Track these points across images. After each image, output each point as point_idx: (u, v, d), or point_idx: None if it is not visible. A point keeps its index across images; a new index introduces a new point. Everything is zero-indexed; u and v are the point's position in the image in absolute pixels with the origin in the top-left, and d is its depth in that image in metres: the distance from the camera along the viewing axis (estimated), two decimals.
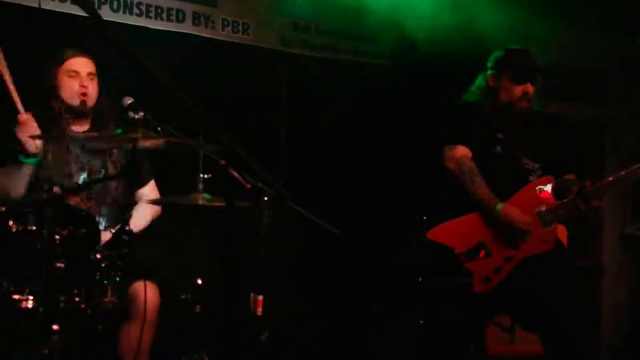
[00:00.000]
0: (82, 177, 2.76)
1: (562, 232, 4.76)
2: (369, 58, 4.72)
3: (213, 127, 1.66)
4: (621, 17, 5.30)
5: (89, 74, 2.85)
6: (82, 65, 2.84)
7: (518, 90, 2.85)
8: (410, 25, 4.49)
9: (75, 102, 2.81)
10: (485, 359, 4.72)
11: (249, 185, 1.77)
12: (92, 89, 2.85)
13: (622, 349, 5.35)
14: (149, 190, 2.99)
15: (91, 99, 2.85)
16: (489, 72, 2.94)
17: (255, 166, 1.61)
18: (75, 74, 2.81)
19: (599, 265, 5.67)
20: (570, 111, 5.29)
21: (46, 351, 1.68)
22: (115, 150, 2.87)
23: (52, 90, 2.82)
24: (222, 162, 1.77)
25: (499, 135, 2.87)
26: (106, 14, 3.66)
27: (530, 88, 2.85)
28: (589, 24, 5.16)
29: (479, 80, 2.99)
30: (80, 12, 3.31)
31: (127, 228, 2.28)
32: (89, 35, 2.94)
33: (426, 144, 3.01)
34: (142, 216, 2.88)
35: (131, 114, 2.03)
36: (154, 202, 2.78)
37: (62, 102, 2.82)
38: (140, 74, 1.73)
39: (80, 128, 2.86)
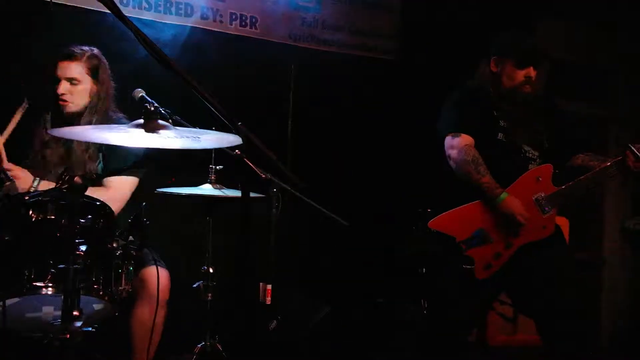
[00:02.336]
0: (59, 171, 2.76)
1: (563, 224, 4.84)
2: (375, 53, 4.76)
3: (230, 118, 1.71)
4: (624, 16, 5.36)
5: (71, 79, 2.85)
6: (65, 70, 2.84)
7: (520, 74, 2.84)
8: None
9: (57, 107, 2.85)
10: (487, 349, 4.80)
11: (264, 175, 1.81)
12: (73, 95, 2.86)
13: (622, 341, 5.40)
14: (117, 183, 2.85)
15: (74, 105, 2.86)
16: (492, 56, 2.93)
17: (271, 157, 1.66)
18: (57, 80, 2.84)
19: (600, 258, 5.73)
20: (574, 107, 5.36)
21: (67, 335, 1.74)
22: (92, 148, 2.83)
23: (49, 91, 2.86)
24: (237, 152, 1.81)
25: (501, 123, 2.87)
26: None
27: (532, 72, 2.84)
28: (592, 22, 5.21)
29: (482, 65, 2.98)
30: (92, 7, 3.40)
31: (142, 218, 2.33)
32: (100, 30, 2.98)
33: (429, 133, 3.02)
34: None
35: (147, 106, 2.07)
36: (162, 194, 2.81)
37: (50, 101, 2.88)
38: (156, 66, 1.78)
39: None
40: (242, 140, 1.68)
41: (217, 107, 1.69)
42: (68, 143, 2.84)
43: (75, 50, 2.89)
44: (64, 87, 2.84)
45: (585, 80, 5.51)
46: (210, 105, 1.70)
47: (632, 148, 2.76)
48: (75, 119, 2.87)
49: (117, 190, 2.78)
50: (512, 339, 4.88)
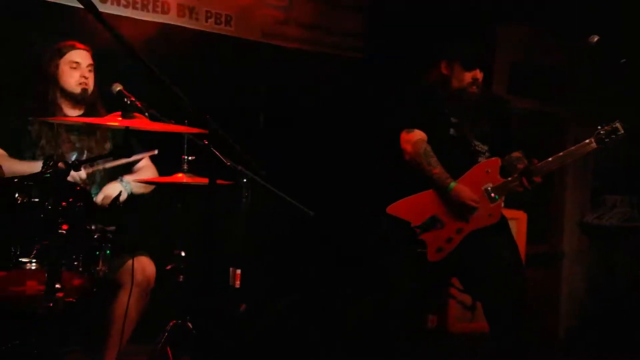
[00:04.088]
0: (74, 157, 2.98)
1: (521, 218, 5.08)
2: (344, 51, 4.97)
3: (198, 111, 1.91)
4: (583, 18, 5.62)
5: (89, 65, 3.09)
6: (82, 57, 3.07)
7: (468, 76, 3.07)
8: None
9: (77, 90, 3.04)
10: (446, 335, 5.04)
11: (228, 163, 2.02)
12: (91, 79, 3.09)
13: (580, 334, 5.62)
14: (144, 164, 3.21)
15: (90, 88, 3.09)
16: (442, 59, 3.17)
17: (235, 147, 1.86)
18: (76, 65, 3.04)
19: (559, 252, 5.96)
20: (535, 107, 5.60)
21: (51, 304, 1.93)
22: (98, 132, 3.09)
23: (51, 79, 3.04)
24: (205, 141, 2.01)
25: (452, 119, 3.11)
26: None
27: (479, 74, 3.09)
28: (553, 24, 5.46)
29: (433, 67, 3.21)
30: (75, 3, 3.55)
31: (118, 203, 2.53)
32: (83, 25, 3.16)
33: (387, 130, 3.23)
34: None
35: (125, 99, 2.26)
36: (144, 182, 3.01)
37: (62, 89, 3.05)
38: (131, 62, 1.96)
39: (74, 113, 3.09)
40: (210, 132, 1.88)
41: (188, 102, 1.89)
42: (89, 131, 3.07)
43: (84, 44, 3.11)
44: (85, 71, 3.05)
45: (544, 81, 5.75)
46: (182, 100, 1.90)
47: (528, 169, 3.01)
48: (83, 102, 3.08)
49: (152, 167, 3.21)
50: (471, 326, 5.11)
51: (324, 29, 4.89)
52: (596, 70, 5.60)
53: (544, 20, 5.33)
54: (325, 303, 4.21)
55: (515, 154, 3.20)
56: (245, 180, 3.09)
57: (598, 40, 2.81)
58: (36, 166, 2.73)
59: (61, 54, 3.04)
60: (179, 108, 2.02)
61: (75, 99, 3.06)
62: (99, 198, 2.88)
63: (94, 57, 3.14)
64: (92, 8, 1.77)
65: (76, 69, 3.04)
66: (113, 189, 2.92)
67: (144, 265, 2.88)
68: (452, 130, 3.11)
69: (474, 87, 3.10)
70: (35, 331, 2.20)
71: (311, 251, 4.52)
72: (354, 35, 5.00)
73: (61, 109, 3.05)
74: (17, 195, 2.19)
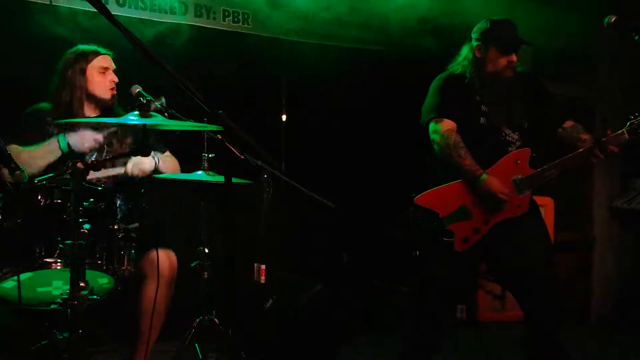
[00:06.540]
0: (94, 156, 3.00)
1: (547, 204, 5.01)
2: (365, 44, 4.96)
3: (213, 108, 1.93)
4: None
5: (114, 70, 3.12)
6: (109, 62, 3.10)
7: (504, 60, 2.99)
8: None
9: (107, 95, 3.07)
10: (475, 324, 5.01)
11: (242, 156, 2.04)
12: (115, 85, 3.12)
13: (612, 319, 5.53)
14: (164, 158, 3.18)
15: (115, 94, 3.11)
16: (475, 43, 3.07)
17: (252, 143, 1.87)
18: (105, 70, 3.07)
19: (590, 238, 5.87)
20: (560, 91, 5.50)
21: (75, 302, 1.98)
22: (119, 129, 3.09)
23: (77, 84, 3.04)
24: (219, 137, 2.03)
25: (483, 108, 3.03)
26: (113, 9, 3.92)
27: (514, 58, 3.00)
28: (574, 6, 5.37)
29: (465, 51, 3.12)
30: (91, 8, 3.61)
31: (142, 204, 2.57)
32: (100, 30, 3.20)
33: (418, 118, 3.16)
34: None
35: (141, 99, 2.29)
36: (165, 180, 3.04)
37: (89, 95, 3.06)
38: (147, 63, 1.99)
39: (92, 114, 3.12)
40: (223, 127, 1.89)
41: (202, 98, 1.90)
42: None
43: (104, 48, 3.14)
44: (113, 76, 3.10)
45: (570, 64, 5.65)
46: (196, 97, 1.92)
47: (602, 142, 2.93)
48: (111, 107, 3.11)
49: (174, 160, 3.23)
50: (501, 315, 5.07)
51: (343, 23, 4.87)
52: (616, 50, 5.52)
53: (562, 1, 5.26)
54: (349, 296, 4.21)
55: (569, 123, 3.12)
56: (265, 176, 3.12)
57: (616, 20, 2.73)
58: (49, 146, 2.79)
59: (87, 59, 3.06)
60: (196, 107, 2.03)
61: (104, 105, 3.09)
62: (128, 167, 2.89)
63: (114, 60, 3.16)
64: (105, 11, 1.79)
65: (104, 74, 3.07)
66: (142, 158, 2.91)
67: (165, 257, 2.90)
68: (482, 119, 3.04)
69: (509, 71, 3.03)
70: (63, 330, 2.26)
71: (336, 244, 4.53)
72: (376, 28, 4.97)
73: (84, 112, 3.07)
74: (39, 197, 2.24)
